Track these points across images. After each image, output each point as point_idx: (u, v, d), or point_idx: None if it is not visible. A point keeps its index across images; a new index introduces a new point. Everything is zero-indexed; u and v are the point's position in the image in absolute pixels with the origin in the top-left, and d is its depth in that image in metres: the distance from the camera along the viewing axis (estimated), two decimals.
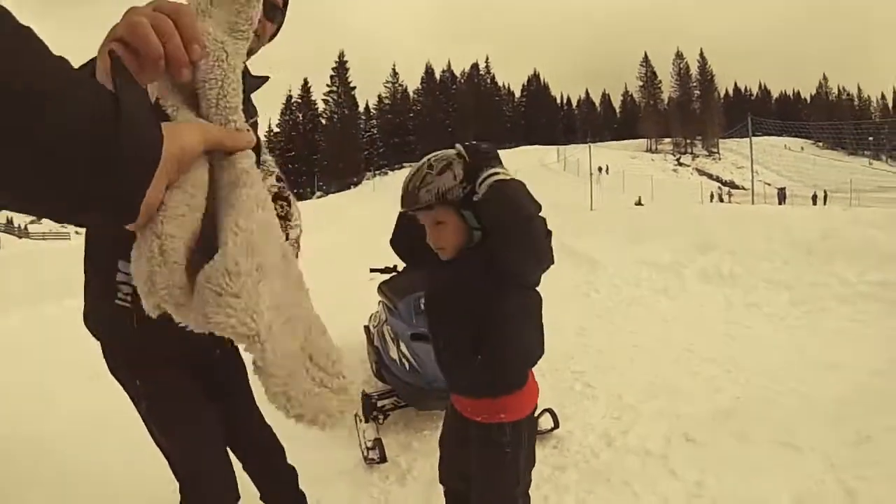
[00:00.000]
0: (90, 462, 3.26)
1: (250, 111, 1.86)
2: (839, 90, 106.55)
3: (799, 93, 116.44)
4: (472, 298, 1.79)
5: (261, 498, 2.32)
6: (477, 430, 1.94)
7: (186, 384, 1.93)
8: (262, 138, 1.87)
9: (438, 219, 1.79)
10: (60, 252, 16.08)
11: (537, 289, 1.89)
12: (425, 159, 1.83)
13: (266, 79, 1.87)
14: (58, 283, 7.32)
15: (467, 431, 1.98)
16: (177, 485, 2.01)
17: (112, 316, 1.71)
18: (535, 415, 2.07)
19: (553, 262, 1.70)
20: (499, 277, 1.75)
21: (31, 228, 64.45)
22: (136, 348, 1.76)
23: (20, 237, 49.58)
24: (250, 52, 1.77)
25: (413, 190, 1.79)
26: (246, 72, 1.75)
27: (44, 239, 44.66)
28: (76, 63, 0.62)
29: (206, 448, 1.97)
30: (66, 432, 3.61)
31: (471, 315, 1.80)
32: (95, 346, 1.91)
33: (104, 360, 1.86)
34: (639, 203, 21.80)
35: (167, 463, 1.96)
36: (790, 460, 2.90)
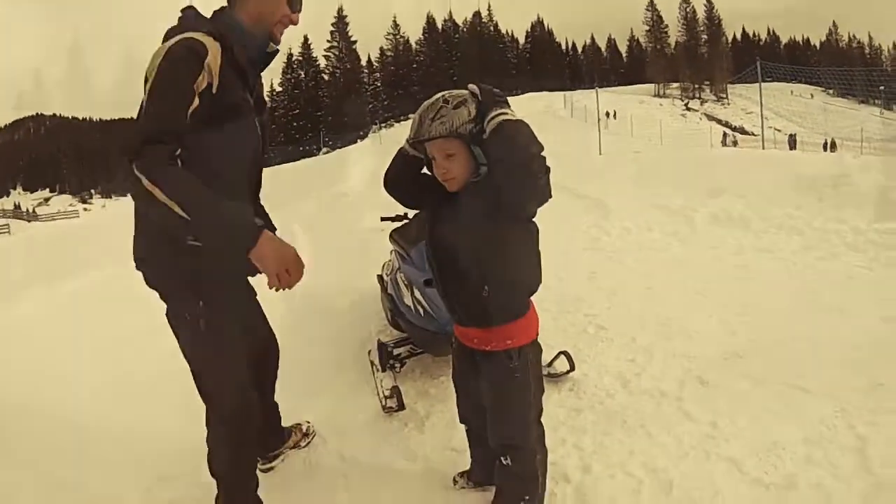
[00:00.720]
0: (110, 427, 3.32)
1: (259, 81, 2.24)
2: (849, 38, 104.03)
3: (808, 39, 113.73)
4: (478, 229, 1.88)
5: None
6: (486, 358, 2.05)
7: (243, 298, 2.33)
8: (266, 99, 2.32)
9: (449, 151, 1.87)
10: (71, 230, 16.30)
11: (535, 221, 1.99)
12: (440, 95, 1.91)
13: (276, 52, 2.17)
14: (74, 260, 7.38)
15: (475, 362, 2.10)
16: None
17: (179, 255, 1.96)
18: (544, 355, 2.20)
19: (551, 197, 1.79)
20: (501, 210, 1.83)
21: (39, 211, 65.45)
22: (203, 277, 2.01)
23: (29, 221, 50.38)
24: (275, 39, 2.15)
25: (427, 121, 1.87)
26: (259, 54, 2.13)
27: (53, 220, 45.50)
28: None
29: (242, 368, 2.23)
30: (88, 399, 3.66)
31: (476, 244, 1.90)
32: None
33: (154, 289, 2.12)
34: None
35: (194, 384, 2.19)
36: (802, 403, 2.93)
